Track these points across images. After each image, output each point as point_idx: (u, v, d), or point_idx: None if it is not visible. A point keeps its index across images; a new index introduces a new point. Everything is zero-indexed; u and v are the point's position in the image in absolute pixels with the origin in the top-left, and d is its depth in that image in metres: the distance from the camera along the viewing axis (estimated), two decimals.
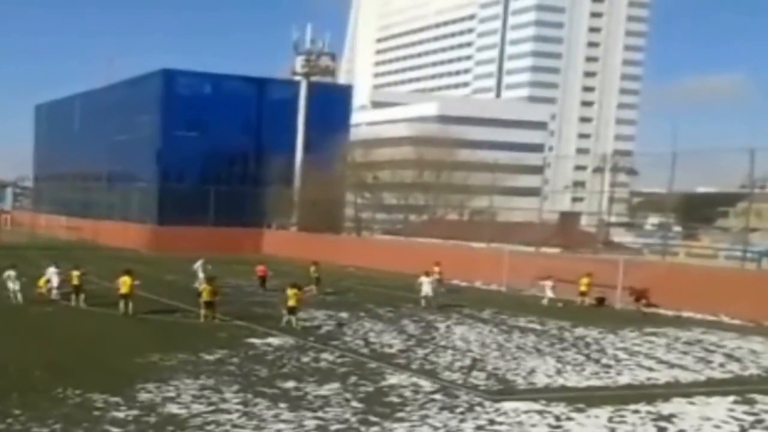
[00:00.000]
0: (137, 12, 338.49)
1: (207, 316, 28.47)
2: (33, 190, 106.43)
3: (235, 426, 15.74)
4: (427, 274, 35.84)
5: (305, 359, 22.55)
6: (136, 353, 22.37)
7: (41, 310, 30.02)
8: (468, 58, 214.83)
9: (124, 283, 29.75)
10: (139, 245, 63.87)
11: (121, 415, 16.25)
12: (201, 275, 36.90)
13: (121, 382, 18.80)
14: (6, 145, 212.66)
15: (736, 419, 17.46)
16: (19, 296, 31.45)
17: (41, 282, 32.10)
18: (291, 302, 28.07)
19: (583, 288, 37.26)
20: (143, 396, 17.81)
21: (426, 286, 35.07)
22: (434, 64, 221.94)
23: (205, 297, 28.74)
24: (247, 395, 18.15)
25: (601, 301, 37.68)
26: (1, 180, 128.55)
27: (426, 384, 19.85)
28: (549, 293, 37.32)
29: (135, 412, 16.51)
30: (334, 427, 15.84)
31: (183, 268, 41.80)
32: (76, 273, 31.92)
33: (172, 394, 18.03)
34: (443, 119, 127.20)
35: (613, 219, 75.97)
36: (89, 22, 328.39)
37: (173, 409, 16.87)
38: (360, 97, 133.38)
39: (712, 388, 20.61)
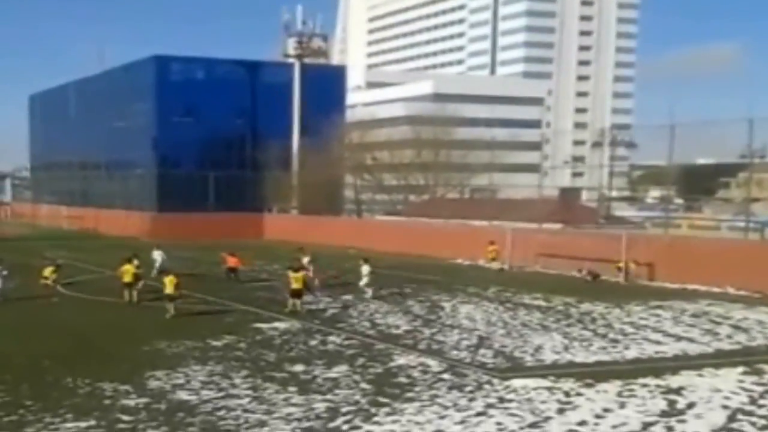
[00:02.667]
0: None
1: (171, 308, 26.64)
2: (31, 181, 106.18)
3: (245, 411, 15.76)
4: (301, 249, 34.34)
5: (312, 342, 22.56)
6: (143, 341, 22.37)
7: (47, 301, 29.91)
8: (461, 35, 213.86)
9: (128, 271, 29.69)
10: (140, 233, 63.69)
11: (131, 403, 16.28)
12: (158, 265, 36.43)
13: (129, 371, 18.82)
14: (0, 136, 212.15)
15: (746, 390, 17.50)
16: None
17: (46, 272, 31.93)
18: (295, 285, 27.96)
19: (621, 265, 37.44)
20: (153, 383, 17.83)
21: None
22: (427, 42, 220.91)
23: (167, 290, 26.92)
24: (256, 380, 18.16)
25: (595, 276, 37.75)
26: None
27: (434, 364, 19.86)
28: None
29: (145, 399, 16.53)
30: (344, 409, 15.86)
31: (185, 254, 41.81)
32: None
33: (181, 381, 18.04)
34: (439, 97, 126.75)
35: (614, 193, 75.99)
36: (75, 10, 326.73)
37: (183, 395, 16.89)
38: (354, 77, 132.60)
39: (720, 359, 20.65)
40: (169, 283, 26.93)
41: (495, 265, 42.51)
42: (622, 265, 37.37)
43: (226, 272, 36.47)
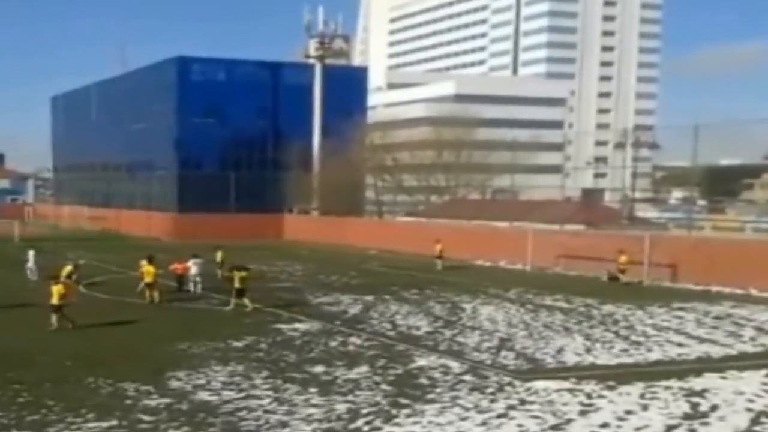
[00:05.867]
0: None
1: (54, 319, 24.43)
2: (53, 182, 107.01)
3: (266, 412, 15.74)
4: (195, 256, 33.46)
5: (333, 344, 22.53)
6: (165, 342, 22.44)
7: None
8: (483, 35, 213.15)
9: (149, 272, 29.79)
10: (162, 234, 64.10)
11: (153, 403, 16.31)
12: (32, 266, 35.32)
13: (151, 371, 18.87)
14: (23, 137, 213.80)
15: None
16: None
17: (64, 272, 32.04)
18: (237, 284, 27.98)
19: (623, 266, 37.19)
20: (174, 384, 17.86)
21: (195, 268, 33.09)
22: (449, 42, 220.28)
23: (53, 299, 24.53)
24: (276, 381, 18.15)
25: (613, 278, 37.50)
26: (20, 172, 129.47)
27: (455, 365, 19.79)
28: None
29: (167, 400, 16.55)
30: (365, 411, 15.81)
31: (206, 255, 41.82)
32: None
33: (202, 382, 18.06)
34: (460, 98, 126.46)
35: (636, 194, 75.49)
36: (97, 10, 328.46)
37: (204, 396, 16.91)
38: (375, 78, 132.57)
39: (744, 362, 20.42)
40: (56, 293, 24.56)
41: (439, 263, 42.56)
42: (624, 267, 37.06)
43: (177, 281, 33.16)
